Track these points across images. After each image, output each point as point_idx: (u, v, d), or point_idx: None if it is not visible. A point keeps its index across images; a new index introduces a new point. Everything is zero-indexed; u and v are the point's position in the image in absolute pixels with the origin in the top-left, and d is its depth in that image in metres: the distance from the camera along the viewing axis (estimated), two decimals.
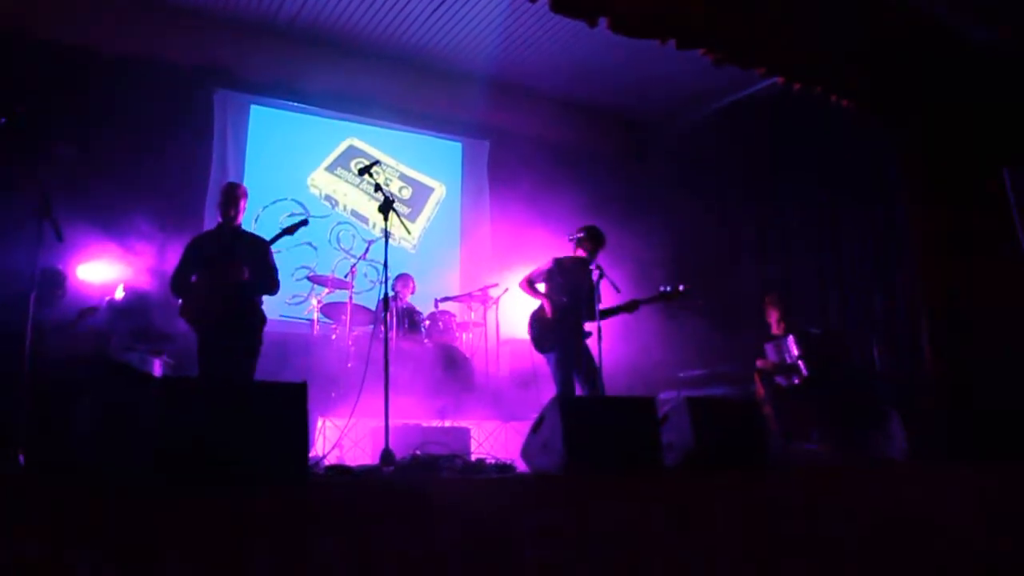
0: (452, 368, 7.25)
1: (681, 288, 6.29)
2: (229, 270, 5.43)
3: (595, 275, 6.18)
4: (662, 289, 6.36)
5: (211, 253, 5.56)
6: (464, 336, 8.25)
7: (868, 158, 8.27)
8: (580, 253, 6.47)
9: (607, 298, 6.29)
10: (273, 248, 5.74)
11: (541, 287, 6.51)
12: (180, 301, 5.50)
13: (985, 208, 6.90)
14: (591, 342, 6.18)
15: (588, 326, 6.24)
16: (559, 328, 6.24)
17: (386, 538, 2.91)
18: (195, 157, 8.33)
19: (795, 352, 7.01)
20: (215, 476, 2.98)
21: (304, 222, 5.88)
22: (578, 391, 6.11)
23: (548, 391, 6.44)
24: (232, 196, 5.72)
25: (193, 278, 5.52)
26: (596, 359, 6.04)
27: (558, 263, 6.46)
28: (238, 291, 5.49)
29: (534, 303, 6.52)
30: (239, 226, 5.74)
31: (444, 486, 3.33)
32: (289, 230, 5.76)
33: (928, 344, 6.63)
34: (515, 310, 8.63)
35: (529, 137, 10.14)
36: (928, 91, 6.90)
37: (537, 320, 6.39)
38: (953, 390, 6.34)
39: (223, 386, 3.68)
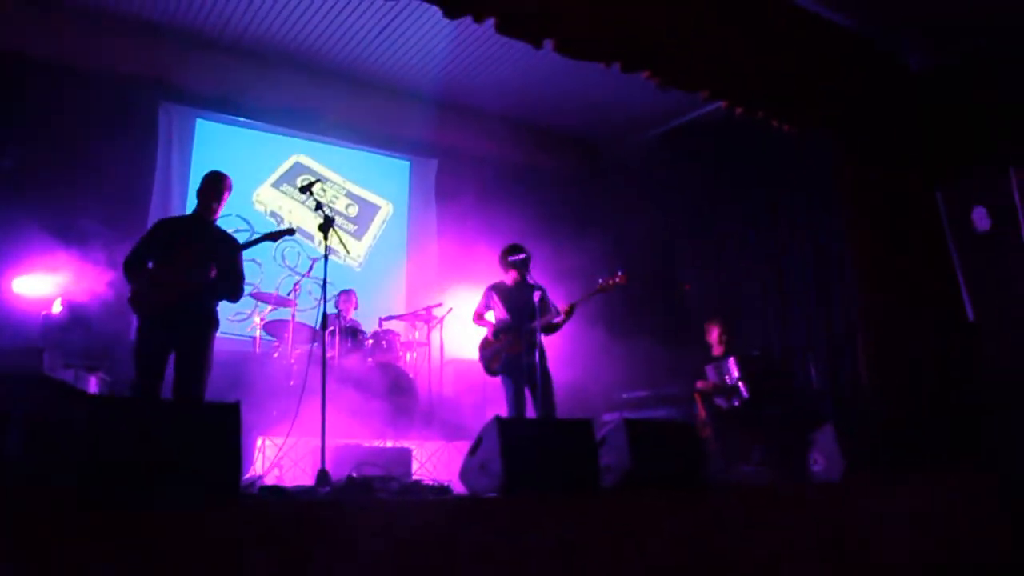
0: (395, 387, 7.19)
1: (618, 276, 6.26)
2: (193, 265, 5.08)
3: (536, 295, 6.28)
4: (600, 282, 6.37)
5: (178, 242, 5.20)
6: (408, 355, 8.20)
7: (809, 179, 8.44)
8: (513, 273, 6.59)
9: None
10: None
11: (491, 315, 6.68)
12: (130, 288, 5.10)
13: (919, 226, 7.08)
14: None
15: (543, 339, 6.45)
16: (503, 349, 6.40)
17: (315, 559, 2.87)
18: (139, 170, 8.16)
19: (735, 374, 7.09)
20: (147, 495, 2.92)
21: (291, 231, 5.61)
22: (531, 410, 6.16)
23: (496, 411, 6.45)
24: (219, 187, 5.38)
25: (149, 264, 5.17)
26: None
27: (494, 288, 6.68)
28: (199, 289, 5.14)
29: (473, 324, 6.77)
30: (214, 220, 5.43)
31: (377, 508, 3.29)
32: (272, 236, 5.44)
33: (864, 360, 6.77)
34: (459, 330, 8.63)
35: (477, 156, 10.16)
36: (866, 115, 7.07)
37: (484, 346, 6.63)
38: (890, 405, 6.47)
39: (156, 405, 3.62)
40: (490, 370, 6.53)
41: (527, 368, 6.18)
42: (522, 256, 6.51)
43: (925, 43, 7.42)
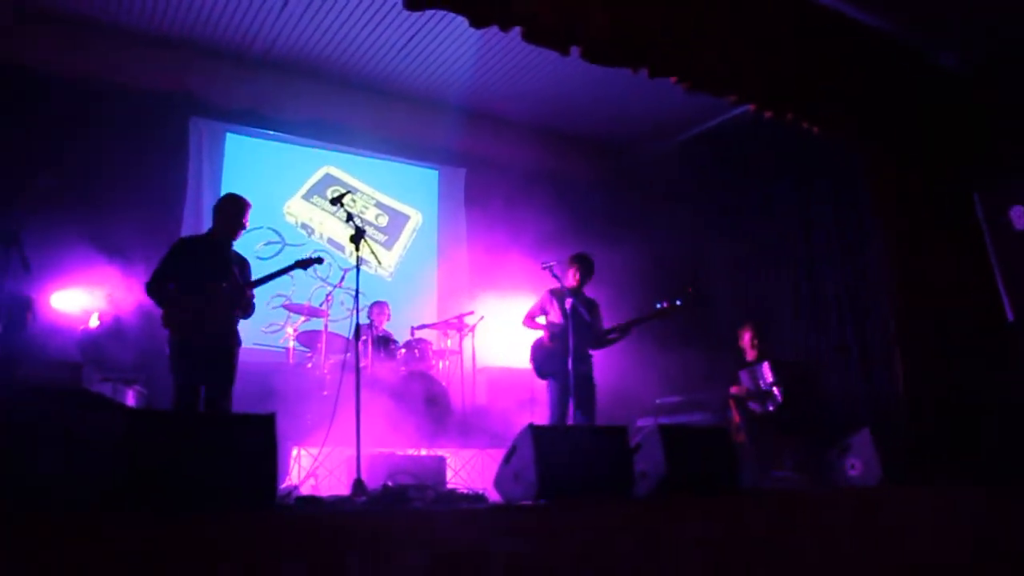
0: (428, 396, 7.21)
1: (679, 303, 6.34)
2: (232, 289, 5.43)
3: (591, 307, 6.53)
4: (659, 306, 6.43)
5: (204, 264, 5.45)
6: (440, 364, 8.22)
7: (840, 182, 8.36)
8: (571, 282, 6.63)
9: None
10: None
11: (542, 319, 6.78)
12: (162, 311, 5.31)
13: (954, 228, 6.98)
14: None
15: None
16: (556, 356, 6.43)
17: (354, 570, 2.88)
18: (171, 184, 8.30)
19: (769, 378, 7.04)
20: (185, 506, 2.97)
21: (319, 259, 5.90)
22: (572, 419, 6.22)
23: (529, 419, 6.45)
24: (246, 211, 5.70)
25: (171, 286, 5.38)
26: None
27: (554, 293, 6.73)
28: (227, 307, 5.44)
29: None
30: (231, 243, 5.71)
31: (413, 517, 3.31)
32: (302, 263, 5.80)
33: (900, 363, 6.68)
34: (491, 338, 8.64)
35: (505, 164, 10.18)
36: (898, 116, 6.99)
37: (537, 348, 6.67)
38: (927, 412, 6.38)
39: (194, 417, 3.66)
40: (541, 372, 6.59)
41: (575, 376, 6.22)
42: (587, 264, 6.69)
43: (958, 42, 7.33)
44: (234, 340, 5.53)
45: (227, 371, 5.42)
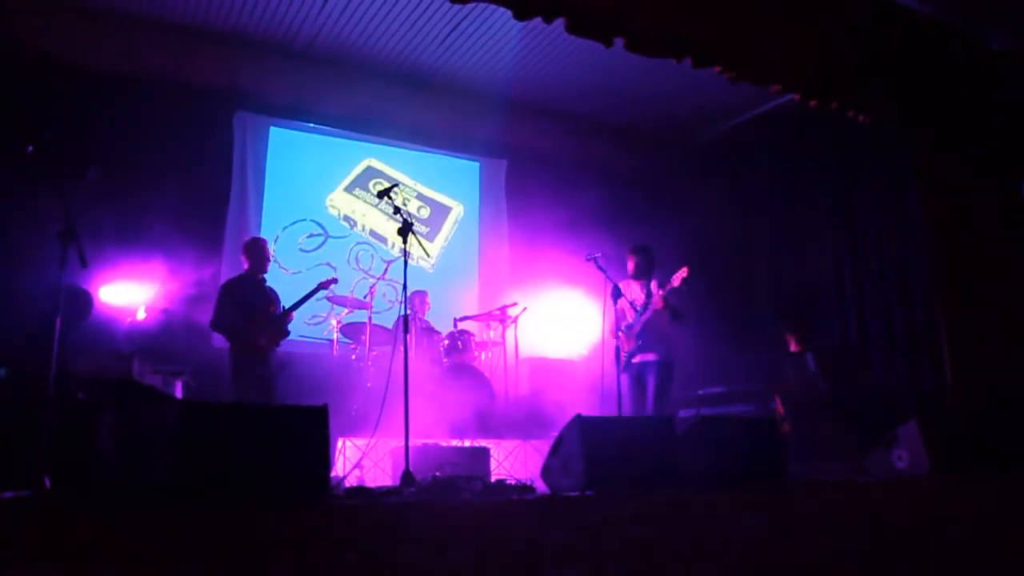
0: (471, 387, 7.27)
1: (683, 271, 6.32)
2: (283, 319, 6.71)
3: (644, 295, 6.65)
4: (667, 284, 6.49)
5: (253, 299, 6.61)
6: (483, 355, 8.28)
7: (886, 171, 8.25)
8: (632, 269, 6.88)
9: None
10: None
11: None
12: (229, 341, 6.53)
13: (1003, 218, 6.86)
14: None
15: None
16: (621, 346, 6.77)
17: (406, 560, 2.94)
18: (215, 178, 8.44)
19: (814, 369, 6.99)
20: (236, 498, 3.02)
21: (335, 280, 7.26)
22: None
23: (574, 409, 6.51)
24: (267, 253, 6.84)
25: (233, 321, 6.49)
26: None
27: (615, 293, 6.75)
28: (276, 337, 6.66)
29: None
30: (264, 278, 6.81)
31: (464, 508, 3.36)
32: (324, 285, 7.10)
33: (948, 355, 6.59)
34: (534, 328, 8.67)
35: (546, 155, 10.19)
36: (945, 102, 6.87)
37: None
38: (975, 402, 6.29)
39: (244, 410, 3.73)
40: (619, 367, 6.77)
41: (638, 367, 6.51)
42: (639, 251, 6.93)
43: (1010, 25, 7.18)
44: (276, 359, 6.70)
45: (274, 392, 6.52)
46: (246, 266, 6.78)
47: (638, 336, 6.59)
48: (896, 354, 7.80)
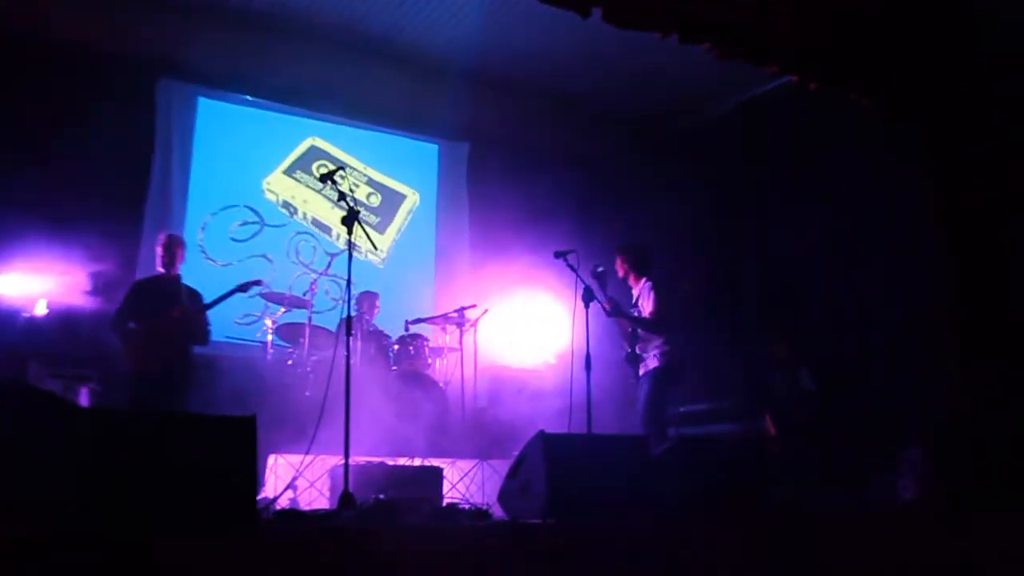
0: (423, 399, 7.24)
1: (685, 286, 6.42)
2: (177, 317, 6.48)
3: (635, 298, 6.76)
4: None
5: (155, 303, 6.48)
6: (438, 363, 8.24)
7: (891, 162, 8.28)
8: (620, 273, 6.97)
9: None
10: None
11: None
12: (121, 345, 6.42)
13: (1018, 213, 6.92)
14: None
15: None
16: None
17: None
18: (135, 154, 8.25)
19: (807, 384, 7.04)
20: (152, 520, 2.97)
21: (259, 282, 7.06)
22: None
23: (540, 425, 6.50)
24: (169, 248, 6.69)
25: (131, 324, 6.40)
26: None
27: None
28: (180, 342, 6.55)
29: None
30: (178, 276, 6.72)
31: (410, 535, 3.33)
32: (243, 287, 6.82)
33: (959, 369, 6.61)
34: (496, 333, 8.64)
35: (513, 138, 10.17)
36: (963, 84, 6.89)
37: None
38: (990, 422, 6.31)
39: (161, 419, 3.64)
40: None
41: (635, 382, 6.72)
42: (626, 251, 7.02)
43: None
44: (193, 374, 6.66)
45: (183, 401, 6.40)
46: None
47: (631, 345, 6.69)
48: (899, 367, 7.85)
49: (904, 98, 6.90)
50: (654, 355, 6.64)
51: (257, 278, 7.06)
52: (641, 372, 6.66)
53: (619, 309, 6.60)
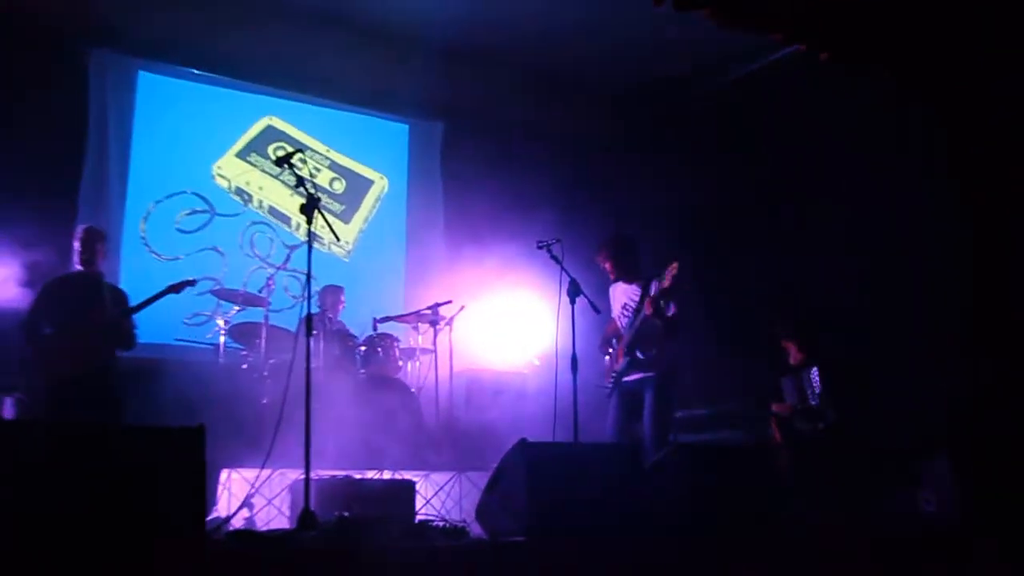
0: (393, 405, 7.23)
1: (672, 268, 6.31)
2: (92, 317, 6.34)
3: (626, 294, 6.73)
4: (656, 285, 6.48)
5: (71, 304, 6.39)
6: (409, 365, 8.25)
7: (910, 145, 8.31)
8: (612, 272, 6.91)
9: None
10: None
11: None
12: (31, 352, 6.32)
13: None
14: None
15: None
16: (609, 365, 6.84)
17: None
18: (66, 136, 8.16)
19: (819, 388, 7.07)
20: (87, 543, 2.96)
21: (192, 281, 6.83)
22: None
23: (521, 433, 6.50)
24: (87, 243, 6.59)
25: (47, 329, 6.32)
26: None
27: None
28: (100, 348, 6.39)
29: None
30: (100, 274, 6.65)
31: (378, 556, 3.34)
32: (175, 288, 6.63)
33: (990, 371, 6.62)
34: (473, 333, 8.64)
35: (492, 117, 10.14)
36: (991, 60, 6.91)
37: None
38: (1013, 430, 6.34)
39: (93, 432, 3.61)
40: (607, 394, 6.82)
41: (629, 389, 6.58)
42: (610, 244, 6.93)
43: None
44: (115, 382, 6.51)
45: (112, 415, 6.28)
46: None
47: (627, 352, 6.62)
48: (920, 369, 7.88)
49: (926, 73, 6.89)
50: (660, 362, 6.61)
51: (190, 277, 6.85)
52: (637, 377, 6.61)
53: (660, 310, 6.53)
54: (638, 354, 6.55)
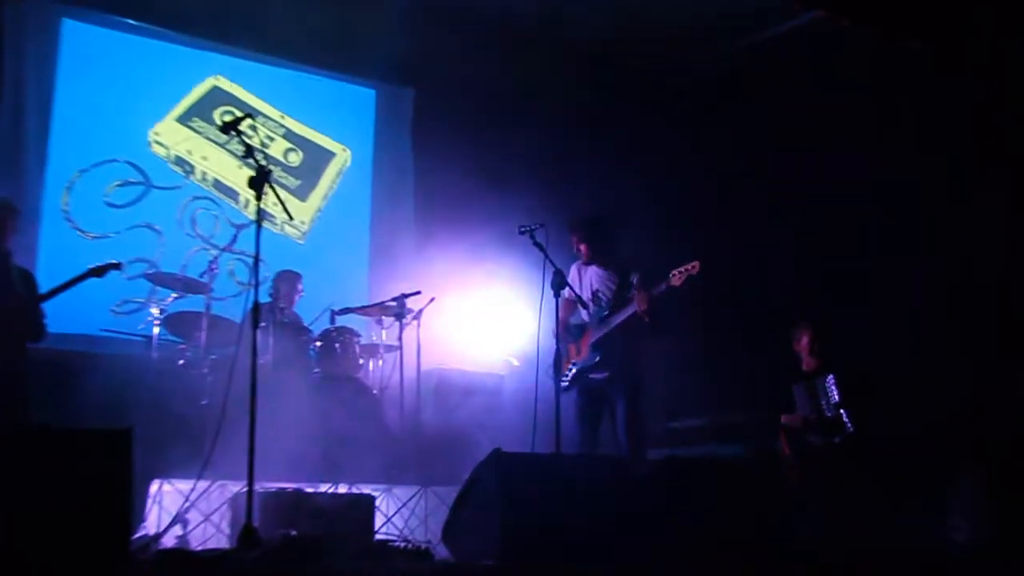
0: (352, 409, 7.20)
1: (691, 267, 6.30)
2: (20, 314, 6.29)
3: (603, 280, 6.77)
4: (671, 276, 6.43)
5: None
6: (371, 363, 8.21)
7: (941, 121, 8.32)
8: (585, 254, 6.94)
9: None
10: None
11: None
12: None
13: None
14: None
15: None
16: (567, 357, 6.81)
17: None
18: None
19: (836, 397, 7.07)
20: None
21: (117, 265, 6.69)
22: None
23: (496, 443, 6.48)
24: (11, 216, 6.49)
25: None
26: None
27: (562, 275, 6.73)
28: (5, 338, 6.23)
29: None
30: (7, 252, 6.43)
31: None
32: (96, 271, 6.53)
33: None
34: (444, 328, 8.60)
35: (470, 82, 10.08)
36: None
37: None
38: None
39: (12, 434, 3.59)
40: (561, 387, 6.69)
41: (594, 388, 6.60)
42: (585, 222, 6.92)
43: None
44: (24, 372, 6.36)
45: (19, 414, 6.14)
46: None
47: (597, 346, 6.58)
48: (951, 376, 7.88)
49: (963, 41, 6.90)
50: (632, 365, 6.64)
51: (114, 260, 6.73)
52: (604, 376, 6.62)
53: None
54: (612, 350, 6.55)
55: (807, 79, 9.25)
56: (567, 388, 6.71)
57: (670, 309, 6.57)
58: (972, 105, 7.22)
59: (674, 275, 6.28)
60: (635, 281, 6.54)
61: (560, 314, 6.69)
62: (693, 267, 6.20)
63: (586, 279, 6.86)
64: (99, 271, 6.54)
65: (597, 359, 6.59)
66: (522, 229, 6.44)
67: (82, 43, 8.80)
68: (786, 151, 9.56)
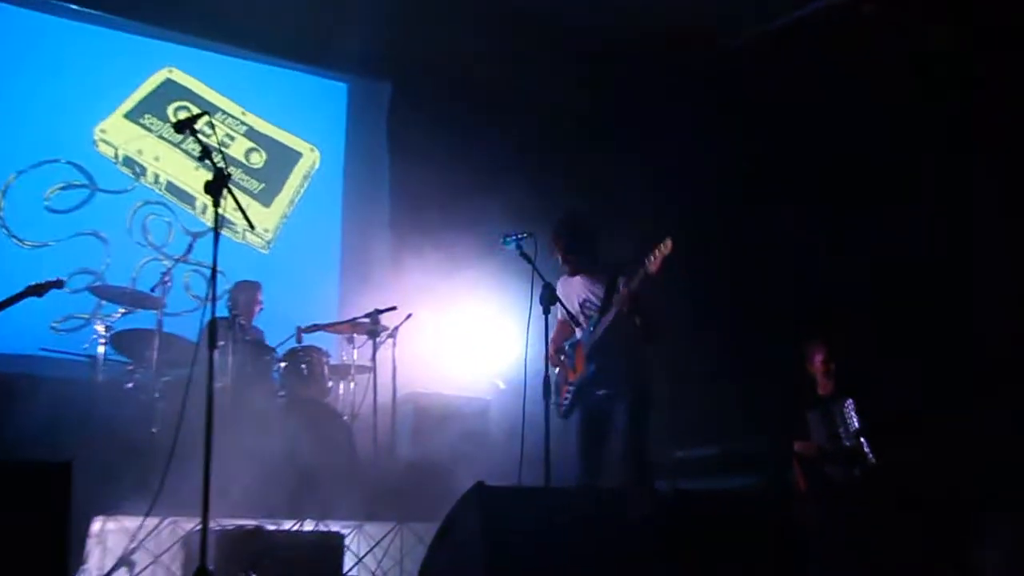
0: (320, 437, 7.20)
1: (664, 246, 6.25)
2: None
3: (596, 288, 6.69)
4: (646, 262, 6.38)
5: None
6: (342, 386, 8.22)
7: (966, 116, 8.35)
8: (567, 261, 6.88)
9: None
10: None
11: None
12: None
13: None
14: None
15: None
16: (565, 377, 6.85)
17: None
18: None
19: (856, 424, 7.09)
20: None
21: (59, 283, 6.72)
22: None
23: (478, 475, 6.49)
24: None
25: None
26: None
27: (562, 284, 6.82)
28: None
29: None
30: None
31: None
32: (37, 289, 6.58)
33: None
34: (422, 347, 8.62)
35: (452, 75, 10.14)
36: None
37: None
38: None
39: None
40: (560, 412, 6.77)
41: (598, 406, 6.56)
42: (565, 230, 6.87)
43: None
44: None
45: None
46: None
47: (591, 357, 6.59)
48: (982, 401, 7.89)
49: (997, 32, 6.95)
50: (634, 373, 6.61)
51: (57, 277, 6.80)
52: (604, 392, 6.59)
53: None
54: (610, 361, 6.54)
55: (809, 77, 9.31)
56: (568, 412, 6.72)
57: (658, 306, 6.55)
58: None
59: (647, 261, 6.24)
60: (621, 283, 6.53)
61: (554, 337, 6.75)
62: (665, 246, 6.12)
63: (574, 293, 6.83)
64: (39, 289, 6.56)
65: (593, 370, 6.57)
66: (507, 238, 6.45)
67: (17, 29, 8.83)
68: (787, 153, 9.60)
